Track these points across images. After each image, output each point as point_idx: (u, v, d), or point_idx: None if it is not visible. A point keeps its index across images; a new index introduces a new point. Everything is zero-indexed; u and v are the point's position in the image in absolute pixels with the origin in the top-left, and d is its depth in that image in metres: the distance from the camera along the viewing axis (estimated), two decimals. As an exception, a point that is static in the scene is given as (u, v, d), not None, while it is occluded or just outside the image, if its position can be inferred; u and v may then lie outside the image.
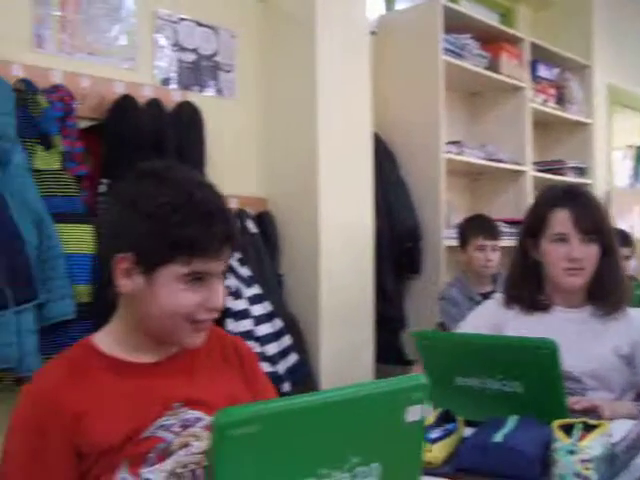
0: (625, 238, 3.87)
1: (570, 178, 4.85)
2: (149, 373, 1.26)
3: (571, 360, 1.88)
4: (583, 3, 5.32)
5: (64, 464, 1.17)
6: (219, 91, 3.31)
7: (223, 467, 0.68)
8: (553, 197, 2.02)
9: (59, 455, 1.17)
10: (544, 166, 4.77)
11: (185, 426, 1.22)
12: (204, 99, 3.18)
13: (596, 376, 1.89)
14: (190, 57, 3.20)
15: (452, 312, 3.38)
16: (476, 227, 3.56)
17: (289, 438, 0.73)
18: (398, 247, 3.75)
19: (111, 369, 1.24)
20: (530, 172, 4.47)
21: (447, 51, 3.92)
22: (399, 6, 4.48)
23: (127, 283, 1.22)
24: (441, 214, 3.84)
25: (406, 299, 3.95)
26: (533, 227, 2.03)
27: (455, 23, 4.03)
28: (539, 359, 1.43)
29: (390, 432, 0.85)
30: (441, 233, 3.85)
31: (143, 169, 1.28)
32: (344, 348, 3.35)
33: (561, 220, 1.96)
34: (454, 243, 4.01)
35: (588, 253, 1.94)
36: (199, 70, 3.23)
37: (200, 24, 3.24)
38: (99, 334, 1.31)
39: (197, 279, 1.22)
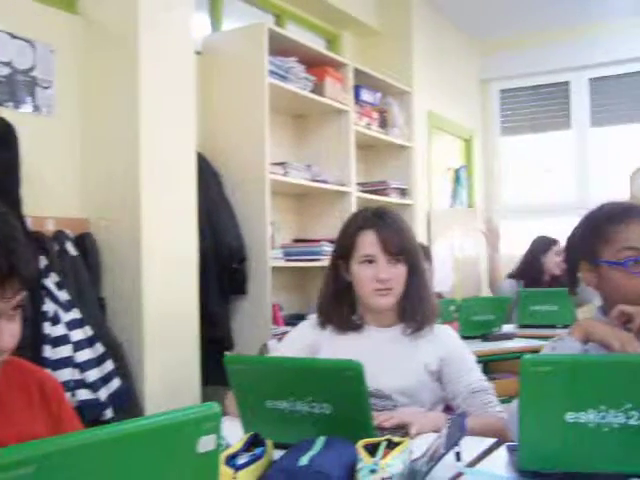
0: (424, 253, 4.02)
1: (393, 199, 5.04)
2: None
3: (383, 378, 1.95)
4: (404, 33, 5.58)
5: None
6: (36, 108, 3.17)
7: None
8: (361, 219, 2.07)
9: None
10: (368, 187, 4.92)
11: None
12: (19, 116, 3.05)
13: (407, 393, 1.96)
14: (3, 71, 3.05)
15: None
16: None
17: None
18: (223, 268, 3.74)
19: None
20: (354, 193, 4.59)
21: (272, 74, 3.97)
22: (226, 27, 4.49)
23: None
24: (267, 235, 3.86)
25: (233, 320, 3.93)
26: (343, 249, 2.07)
27: (281, 46, 4.09)
28: (345, 380, 1.46)
29: (182, 464, 0.83)
30: (267, 253, 3.87)
31: None
32: (169, 371, 3.30)
33: (368, 242, 2.01)
34: (280, 263, 4.06)
35: (395, 274, 2.01)
36: (14, 85, 3.09)
37: (14, 36, 3.10)
38: None
39: None
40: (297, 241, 4.55)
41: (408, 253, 2.03)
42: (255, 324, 3.86)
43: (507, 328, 4.16)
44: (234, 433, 1.55)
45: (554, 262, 4.77)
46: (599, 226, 1.76)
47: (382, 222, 2.02)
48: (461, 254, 6.16)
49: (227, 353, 1.58)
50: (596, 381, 1.34)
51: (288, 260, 4.18)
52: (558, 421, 1.33)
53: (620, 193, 5.88)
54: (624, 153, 6.47)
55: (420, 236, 5.36)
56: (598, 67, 6.58)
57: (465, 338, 3.55)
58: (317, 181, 4.33)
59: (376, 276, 1.99)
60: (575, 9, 6.07)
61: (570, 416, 1.33)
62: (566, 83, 6.78)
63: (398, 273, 2.01)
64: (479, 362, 3.75)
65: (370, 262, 2.01)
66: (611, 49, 6.37)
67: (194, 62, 3.58)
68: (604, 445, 1.34)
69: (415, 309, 2.04)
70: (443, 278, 5.53)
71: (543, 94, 6.93)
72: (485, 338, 3.83)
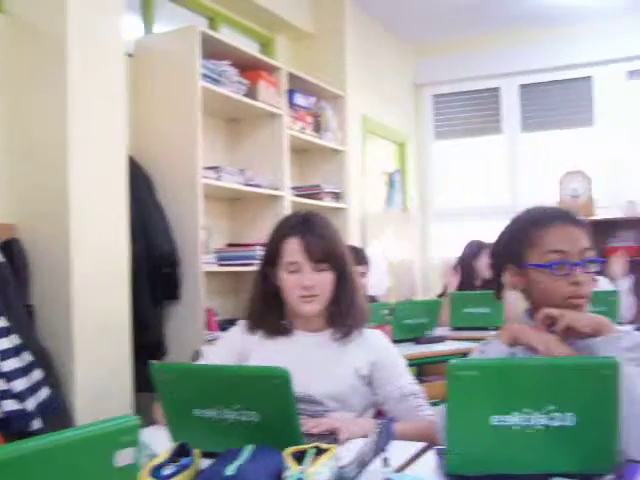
0: (359, 256, 4.06)
1: (327, 203, 5.05)
2: None
3: (313, 383, 1.95)
4: (338, 37, 5.60)
5: None
6: (-43, 108, 3.08)
7: None
8: (286, 226, 2.06)
9: None
10: (302, 191, 4.92)
11: None
12: (-60, 119, 2.96)
13: (337, 398, 1.96)
14: None
15: None
16: None
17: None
18: (155, 272, 3.69)
19: None
20: (288, 197, 4.58)
21: (205, 77, 3.94)
22: (158, 29, 4.44)
23: None
24: (199, 239, 3.83)
25: (166, 326, 3.88)
26: (270, 255, 2.06)
27: (214, 50, 4.07)
28: (272, 388, 1.45)
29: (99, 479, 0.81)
30: (200, 258, 3.83)
31: None
32: (100, 379, 3.24)
33: (292, 249, 2.00)
34: (213, 268, 4.03)
35: (320, 280, 2.00)
36: None
37: None
38: None
39: None
40: (231, 245, 4.52)
41: (334, 260, 2.02)
42: (189, 329, 3.82)
43: (440, 331, 4.21)
44: (163, 442, 1.53)
45: (485, 265, 4.85)
46: (525, 230, 1.79)
47: (307, 229, 2.01)
48: (396, 258, 6.21)
49: (153, 361, 1.55)
50: (520, 384, 1.37)
51: (222, 265, 4.15)
52: (484, 424, 1.35)
53: (550, 197, 6.04)
54: (553, 158, 6.63)
55: (354, 240, 5.39)
56: (528, 74, 6.72)
57: (398, 341, 3.61)
58: (250, 185, 4.31)
59: (300, 283, 1.98)
60: (506, 16, 6.19)
61: (496, 419, 1.35)
62: (497, 89, 6.92)
63: (323, 280, 2.01)
64: (412, 365, 3.79)
65: (295, 269, 2.00)
66: (541, 56, 6.52)
67: (125, 64, 3.52)
68: (528, 447, 1.37)
69: (344, 315, 2.04)
70: (378, 282, 5.56)
71: (475, 99, 7.05)
72: (417, 341, 3.87)
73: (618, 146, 6.45)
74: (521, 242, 1.79)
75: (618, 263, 4.79)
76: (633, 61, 6.36)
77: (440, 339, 3.96)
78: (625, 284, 4.68)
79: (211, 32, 4.14)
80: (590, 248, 1.75)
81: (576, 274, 1.70)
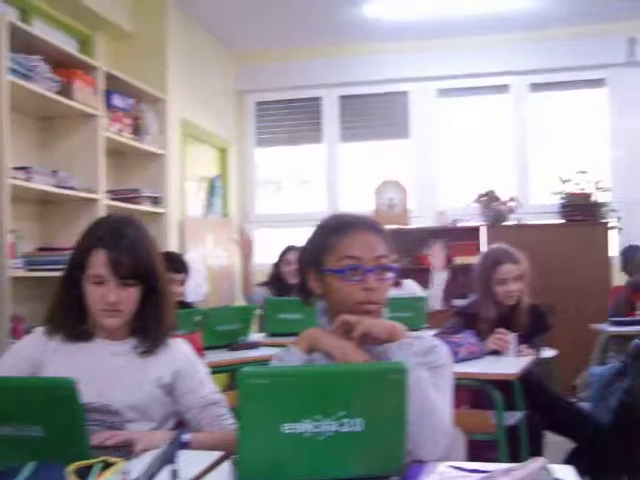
0: (178, 263, 4.04)
1: (145, 207, 4.96)
2: None
3: (111, 393, 1.90)
4: (158, 39, 5.52)
5: None
6: None
7: None
8: (93, 237, 1.96)
9: None
10: (119, 195, 4.79)
11: None
12: None
13: (137, 408, 1.91)
14: None
15: None
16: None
17: None
18: (-46, 278, 3.47)
19: None
20: (104, 200, 4.46)
21: (14, 71, 3.75)
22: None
23: None
24: (5, 243, 3.63)
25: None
26: (76, 262, 1.98)
27: (25, 43, 3.89)
28: (57, 400, 1.39)
29: None
30: (6, 263, 3.64)
31: None
32: None
33: (98, 262, 1.91)
34: (21, 273, 3.85)
35: (125, 296, 1.93)
36: None
37: None
38: None
39: None
40: (42, 250, 4.32)
41: (142, 275, 1.96)
42: (-7, 338, 3.62)
43: (256, 337, 4.22)
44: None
45: (286, 270, 4.95)
46: (324, 236, 1.83)
47: (116, 241, 1.92)
48: (215, 263, 6.19)
49: None
50: (311, 391, 1.40)
51: (31, 270, 3.97)
52: (275, 433, 1.36)
53: (366, 205, 6.26)
54: (371, 168, 6.89)
55: (172, 245, 5.32)
56: (348, 86, 6.93)
57: (210, 348, 3.59)
58: (63, 187, 4.15)
59: (105, 298, 1.92)
60: (327, 29, 6.34)
61: (287, 427, 1.37)
62: (318, 99, 7.07)
63: (128, 296, 1.94)
64: (223, 372, 3.79)
65: (100, 282, 1.93)
66: (360, 70, 6.75)
67: None
68: (319, 453, 1.40)
69: (149, 328, 1.99)
70: (196, 287, 5.52)
71: (297, 108, 7.17)
72: (231, 347, 3.86)
73: (431, 159, 6.79)
74: (320, 247, 1.82)
75: (438, 256, 5.04)
76: (442, 80, 6.74)
77: (254, 345, 3.97)
78: (442, 276, 4.95)
79: (21, 24, 3.95)
80: (386, 255, 1.80)
81: (369, 280, 1.75)
